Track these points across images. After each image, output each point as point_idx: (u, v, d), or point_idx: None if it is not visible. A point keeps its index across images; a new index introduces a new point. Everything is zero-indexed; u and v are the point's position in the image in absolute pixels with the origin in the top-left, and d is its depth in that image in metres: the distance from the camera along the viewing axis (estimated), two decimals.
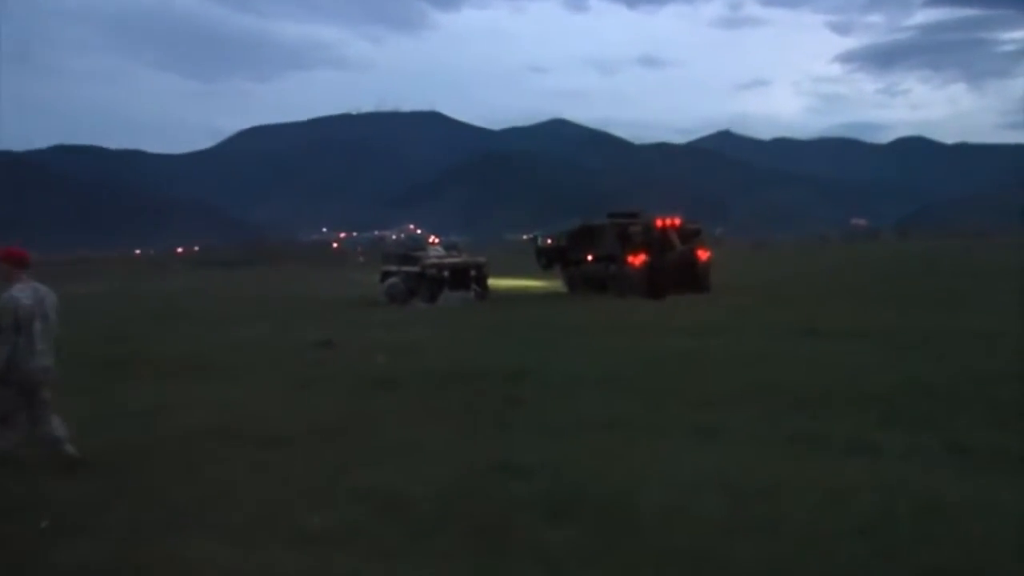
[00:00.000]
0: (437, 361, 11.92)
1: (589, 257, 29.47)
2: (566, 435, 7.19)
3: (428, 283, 28.52)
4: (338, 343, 14.53)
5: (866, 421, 7.35)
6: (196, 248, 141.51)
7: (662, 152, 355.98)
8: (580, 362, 11.46)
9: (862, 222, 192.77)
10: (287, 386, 10.27)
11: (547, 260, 33.08)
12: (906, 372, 9.64)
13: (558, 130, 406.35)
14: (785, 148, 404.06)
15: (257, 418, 8.28)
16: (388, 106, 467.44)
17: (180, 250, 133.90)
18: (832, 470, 5.88)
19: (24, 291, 6.48)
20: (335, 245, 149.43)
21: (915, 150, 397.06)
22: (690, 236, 27.70)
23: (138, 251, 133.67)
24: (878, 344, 12.24)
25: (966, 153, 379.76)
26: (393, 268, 31.29)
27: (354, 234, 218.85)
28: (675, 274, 26.32)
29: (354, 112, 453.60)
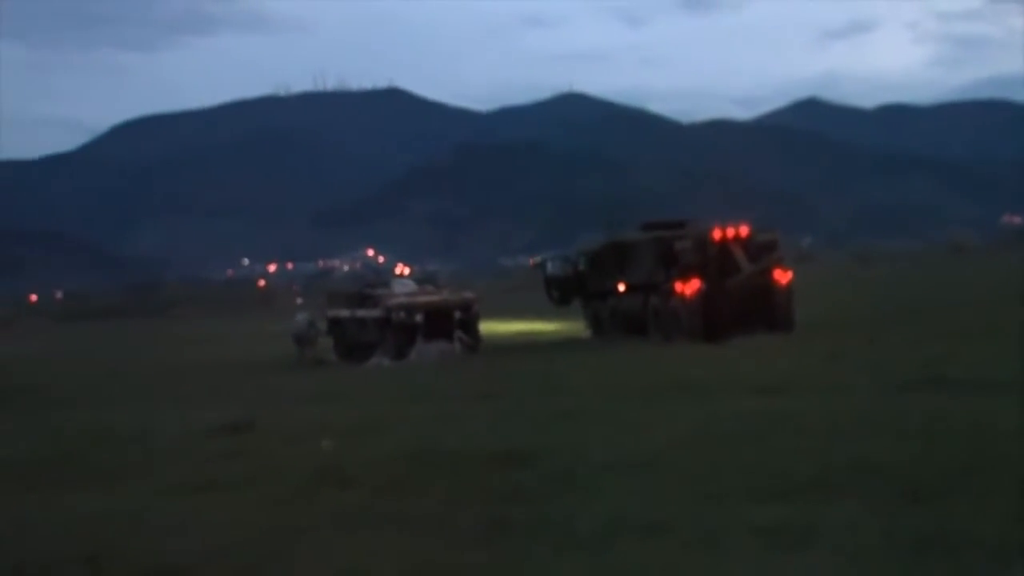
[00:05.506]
0: (407, 445, 11.96)
1: (620, 287, 29.63)
2: (588, 547, 7.18)
3: (395, 332, 28.64)
4: (260, 425, 14.55)
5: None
6: (59, 295, 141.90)
7: (720, 133, 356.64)
8: (609, 439, 11.47)
9: (1018, 220, 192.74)
10: (178, 492, 10.28)
11: (562, 293, 33.32)
12: None
13: (571, 108, 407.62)
14: (899, 119, 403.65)
15: (128, 540, 8.28)
16: (330, 84, 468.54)
17: (34, 298, 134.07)
18: None
19: None
20: (261, 283, 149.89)
21: None
22: (763, 251, 27.85)
23: None
24: None
25: None
26: (344, 312, 31.44)
27: (288, 267, 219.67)
28: (742, 306, 26.46)
29: (282, 93, 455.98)
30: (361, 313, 30.23)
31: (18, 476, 11.83)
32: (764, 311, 26.71)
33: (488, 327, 32.69)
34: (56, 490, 10.79)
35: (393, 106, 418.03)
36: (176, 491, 10.34)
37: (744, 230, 27.93)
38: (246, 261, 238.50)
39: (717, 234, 27.56)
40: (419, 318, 28.66)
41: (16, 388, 26.32)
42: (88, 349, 49.54)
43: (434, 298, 30.23)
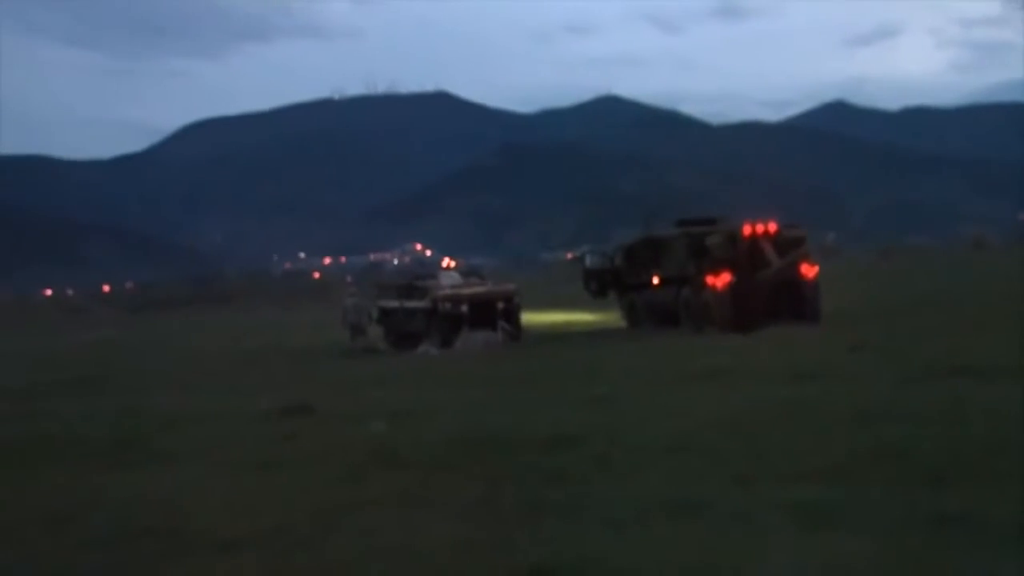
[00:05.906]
0: (454, 428, 11.99)
1: (654, 280, 29.62)
2: (622, 527, 7.16)
3: (441, 321, 28.78)
4: (316, 408, 14.65)
5: None
6: (129, 285, 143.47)
7: (750, 134, 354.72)
8: (644, 424, 11.45)
9: None
10: (240, 471, 10.35)
11: (599, 285, 33.34)
12: None
13: (608, 111, 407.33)
14: (921, 121, 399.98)
15: (194, 516, 8.35)
16: (381, 87, 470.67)
17: (107, 288, 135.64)
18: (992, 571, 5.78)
19: None
20: (316, 275, 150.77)
21: None
22: (791, 247, 27.74)
23: (49, 291, 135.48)
24: None
25: None
26: (393, 303, 31.61)
27: (342, 259, 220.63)
28: (771, 299, 26.39)
29: (336, 97, 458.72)
30: (410, 304, 30.38)
31: (93, 454, 11.98)
32: (792, 303, 26.62)
33: (529, 317, 32.74)
34: (127, 468, 10.90)
35: (440, 108, 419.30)
36: (238, 470, 10.42)
37: (773, 226, 27.86)
38: (302, 255, 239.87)
39: (747, 230, 27.50)
40: (464, 309, 28.79)
41: (91, 373, 26.65)
42: (156, 337, 50.08)
43: (478, 290, 30.34)
